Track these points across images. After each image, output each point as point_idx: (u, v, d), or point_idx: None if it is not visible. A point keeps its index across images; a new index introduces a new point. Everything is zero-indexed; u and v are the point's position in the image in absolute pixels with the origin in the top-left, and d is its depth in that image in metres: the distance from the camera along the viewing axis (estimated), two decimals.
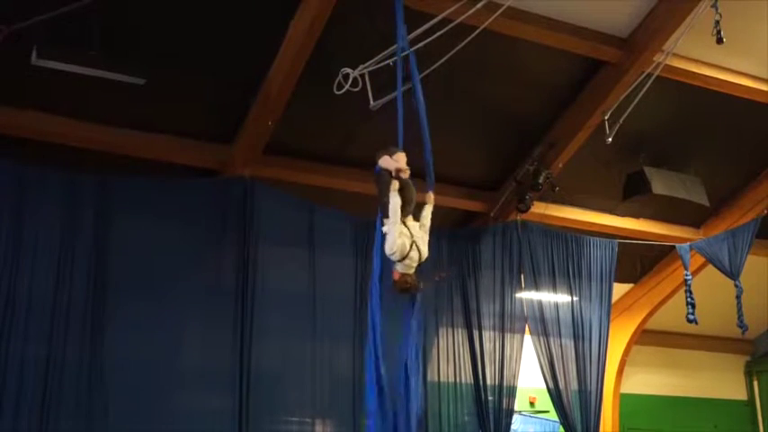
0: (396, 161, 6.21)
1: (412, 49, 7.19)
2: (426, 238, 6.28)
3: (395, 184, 6.09)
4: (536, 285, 10.91)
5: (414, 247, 6.05)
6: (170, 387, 8.52)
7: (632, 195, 10.76)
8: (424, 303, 10.09)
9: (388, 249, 5.99)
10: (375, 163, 6.36)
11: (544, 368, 10.71)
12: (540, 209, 10.91)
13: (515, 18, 8.50)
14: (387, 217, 6.12)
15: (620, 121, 9.50)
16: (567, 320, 10.94)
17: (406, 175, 6.22)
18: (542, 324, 10.82)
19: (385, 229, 6.07)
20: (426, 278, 6.24)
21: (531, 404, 12.67)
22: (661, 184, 10.50)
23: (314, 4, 7.79)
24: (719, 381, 15.08)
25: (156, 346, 8.42)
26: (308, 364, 9.24)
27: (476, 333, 10.52)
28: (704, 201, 10.91)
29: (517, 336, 10.70)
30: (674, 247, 11.75)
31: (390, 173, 6.19)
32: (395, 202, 6.01)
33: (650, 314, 13.22)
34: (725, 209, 12.19)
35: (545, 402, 11.66)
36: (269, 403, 8.98)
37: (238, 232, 9.03)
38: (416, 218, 6.44)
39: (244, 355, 8.73)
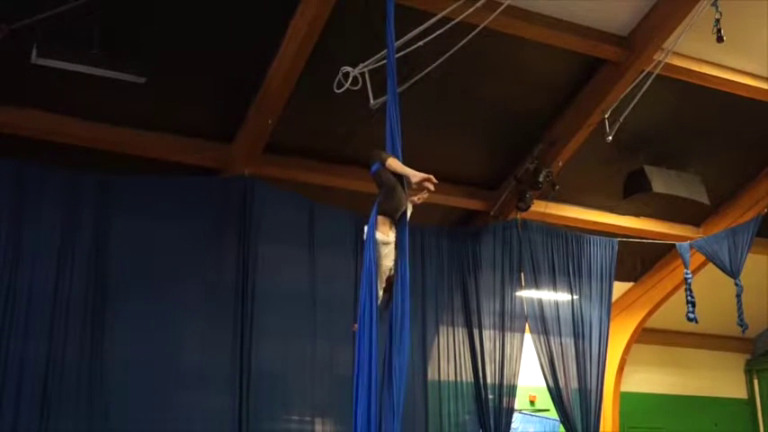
0: (393, 161, 6.06)
1: (411, 48, 7.19)
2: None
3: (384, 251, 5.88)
4: (536, 284, 10.91)
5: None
6: (170, 386, 8.51)
7: (632, 194, 10.77)
8: (423, 302, 10.19)
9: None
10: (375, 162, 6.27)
11: (544, 367, 10.71)
12: (541, 207, 10.91)
13: (515, 17, 8.51)
14: (383, 214, 6.00)
15: (621, 119, 9.50)
16: (567, 319, 10.94)
17: (433, 188, 6.07)
18: (542, 323, 10.82)
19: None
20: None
21: (532, 403, 12.67)
22: (661, 182, 10.51)
23: (314, 3, 7.79)
24: (720, 379, 15.08)
25: (155, 345, 8.42)
26: (308, 363, 9.22)
27: (476, 332, 10.52)
28: (704, 199, 10.91)
29: (517, 334, 10.70)
30: (674, 245, 11.73)
31: (406, 179, 6.06)
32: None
33: (650, 313, 13.22)
34: (725, 207, 12.19)
35: (545, 401, 11.66)
36: (269, 402, 8.98)
37: (238, 231, 9.01)
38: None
39: (244, 353, 8.72)
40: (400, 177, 6.04)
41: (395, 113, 6.22)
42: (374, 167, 6.05)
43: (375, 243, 5.84)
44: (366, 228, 5.94)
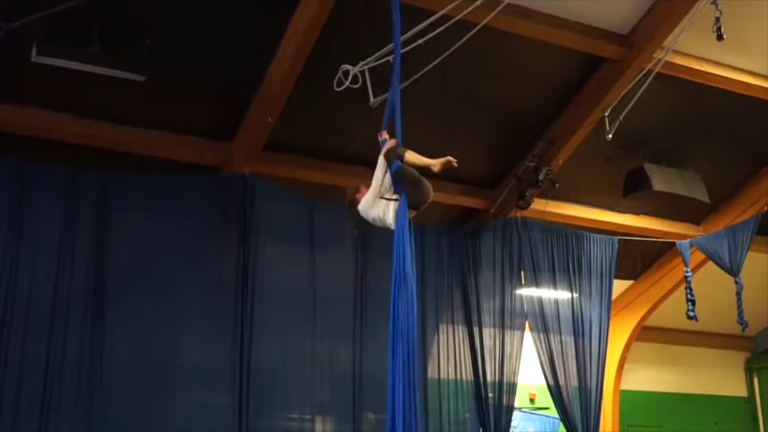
0: (411, 155, 6.09)
1: (411, 46, 7.18)
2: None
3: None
4: (536, 282, 10.91)
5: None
6: (170, 384, 8.52)
7: (632, 192, 10.77)
8: (423, 300, 10.18)
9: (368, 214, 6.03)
10: (376, 160, 6.25)
11: (544, 365, 10.72)
12: (541, 205, 10.90)
13: (515, 15, 8.51)
14: (412, 207, 6.00)
15: (621, 117, 9.50)
16: (567, 317, 10.95)
17: (455, 165, 6.17)
18: (542, 321, 10.82)
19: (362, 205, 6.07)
20: None
21: (532, 401, 12.67)
22: (661, 180, 10.51)
23: (314, 3, 7.79)
24: (720, 377, 15.09)
25: (156, 343, 8.44)
26: (307, 361, 9.24)
27: (476, 330, 10.53)
28: (704, 197, 10.91)
29: (517, 332, 10.71)
30: (674, 243, 11.76)
31: (427, 167, 6.08)
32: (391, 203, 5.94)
33: (650, 311, 13.23)
34: (725, 205, 12.19)
35: (545, 399, 11.66)
36: (269, 400, 9.00)
37: (238, 229, 9.02)
38: None
39: (244, 351, 8.73)
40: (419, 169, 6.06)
41: (399, 107, 6.24)
42: (394, 166, 5.99)
43: (411, 243, 5.80)
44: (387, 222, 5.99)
